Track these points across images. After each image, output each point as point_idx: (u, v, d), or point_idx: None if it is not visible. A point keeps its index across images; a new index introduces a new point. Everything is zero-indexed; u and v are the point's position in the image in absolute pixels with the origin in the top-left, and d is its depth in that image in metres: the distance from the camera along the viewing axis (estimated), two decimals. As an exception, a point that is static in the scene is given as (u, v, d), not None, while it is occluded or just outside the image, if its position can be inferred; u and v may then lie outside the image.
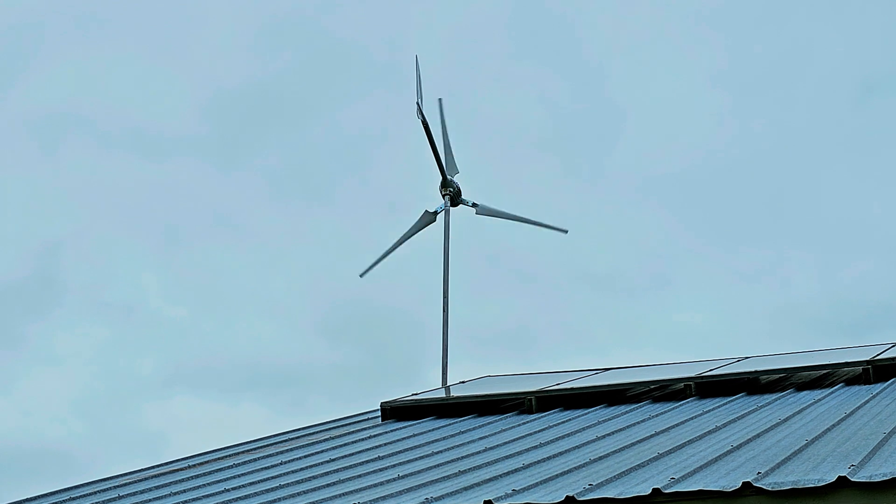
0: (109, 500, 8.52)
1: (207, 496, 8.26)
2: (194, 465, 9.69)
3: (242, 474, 9.09)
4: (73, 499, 8.73)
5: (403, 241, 17.20)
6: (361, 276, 17.36)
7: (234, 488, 8.43)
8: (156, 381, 26.90)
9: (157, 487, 8.83)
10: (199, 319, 27.66)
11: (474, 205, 17.41)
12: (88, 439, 25.39)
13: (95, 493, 8.87)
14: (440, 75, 25.84)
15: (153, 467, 9.74)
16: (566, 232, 17.83)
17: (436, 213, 17.26)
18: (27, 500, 8.65)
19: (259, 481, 8.63)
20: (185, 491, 8.57)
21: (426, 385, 25.98)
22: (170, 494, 8.51)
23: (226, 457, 10.03)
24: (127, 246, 27.24)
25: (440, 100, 17.28)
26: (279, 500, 7.79)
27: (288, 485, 8.32)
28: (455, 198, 17.31)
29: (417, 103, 16.71)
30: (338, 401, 26.71)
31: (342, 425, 11.66)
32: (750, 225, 28.03)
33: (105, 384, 26.88)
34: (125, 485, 9.07)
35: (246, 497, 8.03)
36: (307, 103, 27.51)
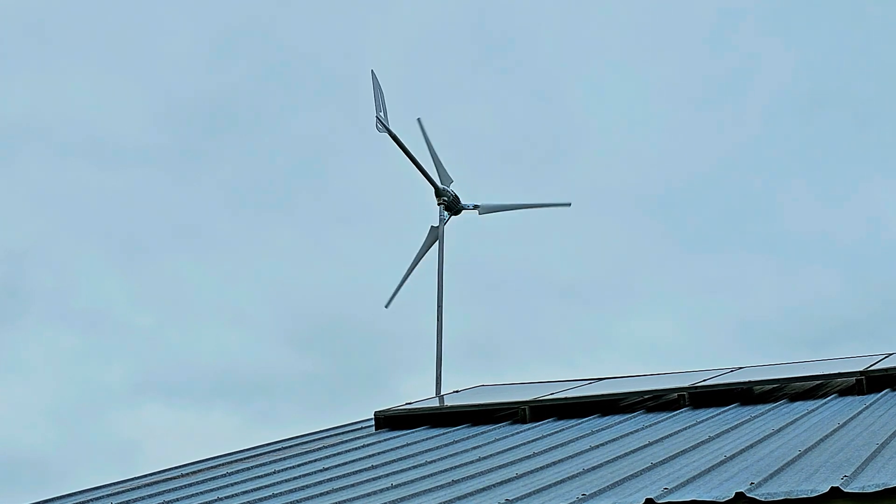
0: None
1: (201, 505, 8.26)
2: (187, 475, 9.68)
3: (236, 483, 9.08)
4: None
5: (418, 262, 17.10)
6: (387, 306, 17.23)
7: (227, 497, 8.42)
8: (125, 390, 26.95)
9: (150, 496, 8.82)
10: (165, 328, 27.72)
11: (475, 207, 17.34)
12: (61, 448, 25.39)
13: (105, 496, 8.87)
14: (396, 87, 26.29)
15: (147, 475, 9.72)
16: (569, 205, 17.74)
17: (439, 225, 17.20)
18: None
19: (252, 490, 8.62)
20: (178, 500, 8.57)
21: (393, 394, 26.18)
22: (165, 503, 8.50)
23: (219, 465, 10.02)
24: (89, 255, 27.30)
25: (419, 119, 17.24)
26: (273, 509, 7.80)
27: (281, 493, 8.32)
28: (452, 206, 17.23)
29: (378, 117, 16.57)
30: (308, 410, 26.80)
31: (336, 434, 11.65)
32: (710, 237, 28.25)
33: (74, 393, 26.89)
34: (118, 493, 9.06)
35: (239, 506, 8.04)
36: (263, 113, 27.73)
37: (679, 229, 27.80)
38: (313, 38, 27.89)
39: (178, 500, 8.57)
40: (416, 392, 26.54)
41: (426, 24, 28.33)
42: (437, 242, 16.96)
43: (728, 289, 27.83)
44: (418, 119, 17.26)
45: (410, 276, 17.04)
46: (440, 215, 17.10)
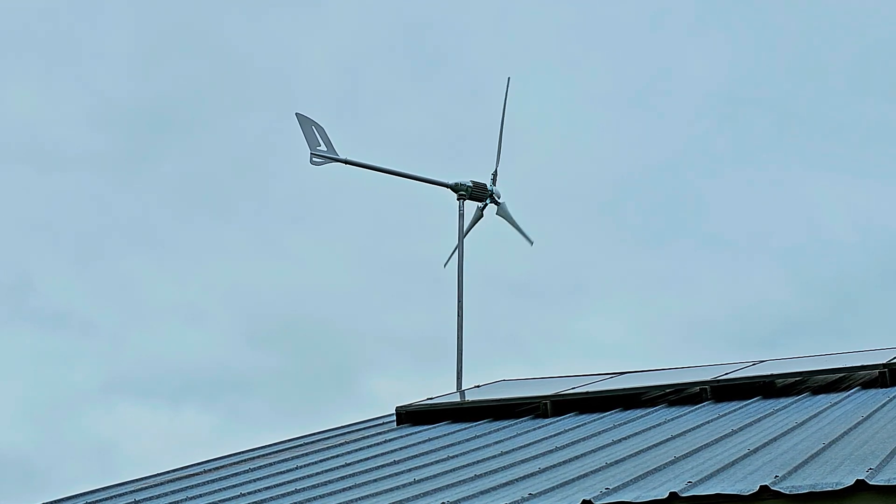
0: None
1: (224, 500, 8.27)
2: (210, 470, 9.70)
3: (258, 479, 9.10)
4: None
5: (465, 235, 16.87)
6: (445, 265, 17.05)
7: (249, 493, 8.44)
8: (94, 390, 27.02)
9: (173, 492, 8.85)
10: (126, 328, 27.80)
11: (499, 200, 17.02)
12: (37, 448, 25.45)
13: (140, 489, 8.90)
14: (329, 94, 26.49)
15: (171, 471, 9.75)
16: (532, 244, 17.54)
17: (481, 209, 16.99)
18: None
19: (275, 486, 8.63)
20: (201, 496, 8.59)
21: (362, 390, 26.33)
22: (186, 499, 8.53)
23: (241, 461, 10.04)
24: (42, 256, 27.36)
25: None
26: (295, 504, 7.82)
27: (304, 489, 8.33)
28: (476, 194, 16.91)
29: (313, 153, 16.30)
30: (278, 407, 26.93)
31: (357, 430, 11.66)
32: (654, 235, 28.34)
33: (43, 393, 26.96)
34: (144, 489, 9.08)
35: (262, 501, 8.04)
36: (202, 114, 27.90)
37: (624, 228, 27.87)
38: (249, 38, 28.10)
39: (201, 496, 8.60)
40: (387, 388, 26.76)
41: (356, 24, 28.50)
42: (458, 233, 16.85)
43: (675, 287, 27.95)
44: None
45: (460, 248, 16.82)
46: (460, 210, 16.99)
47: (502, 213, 17.03)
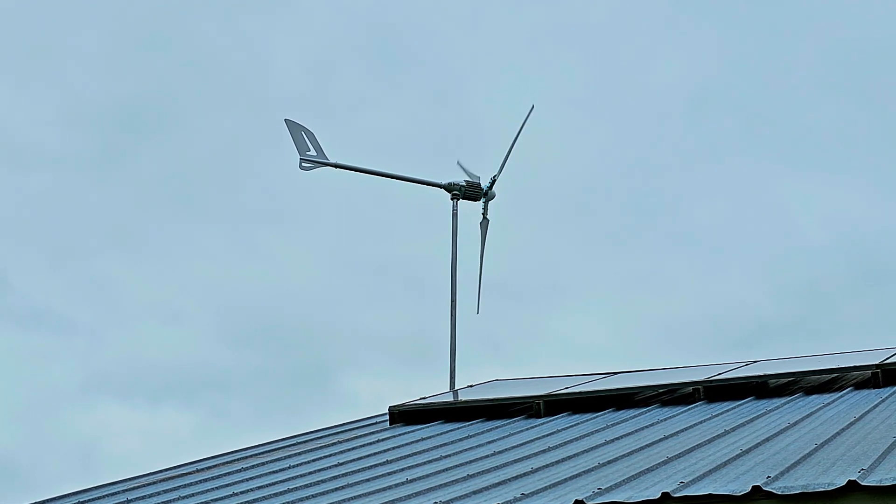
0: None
1: (217, 500, 8.26)
2: (202, 470, 9.70)
3: (251, 478, 9.09)
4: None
5: (482, 259, 16.89)
6: (478, 312, 16.99)
7: (242, 492, 8.43)
8: (74, 389, 26.99)
9: (165, 491, 8.84)
10: (104, 327, 27.76)
11: (492, 183, 17.03)
12: (18, 448, 25.41)
13: (128, 491, 8.89)
14: (303, 94, 26.48)
15: (163, 471, 9.74)
16: (532, 108, 17.51)
17: (484, 215, 16.96)
18: None
19: (267, 485, 8.63)
20: (193, 495, 8.58)
21: (342, 390, 26.39)
22: (178, 499, 8.52)
23: (233, 461, 10.03)
24: (18, 255, 27.32)
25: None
26: (288, 504, 7.81)
27: (297, 488, 8.33)
28: (470, 193, 16.90)
29: (302, 158, 16.24)
30: (259, 406, 26.96)
31: (350, 429, 11.66)
32: (629, 236, 28.38)
33: (23, 392, 26.94)
34: (136, 488, 9.08)
35: (255, 501, 8.04)
36: (176, 113, 27.93)
37: (599, 228, 27.88)
38: (223, 37, 28.13)
39: (193, 495, 8.59)
40: (368, 388, 26.78)
41: (329, 25, 28.55)
42: (451, 233, 16.84)
43: (651, 288, 27.97)
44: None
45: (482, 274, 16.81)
46: (453, 210, 16.98)
47: (483, 227, 17.02)
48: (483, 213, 16.87)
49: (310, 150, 16.14)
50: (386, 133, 25.36)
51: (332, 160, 16.26)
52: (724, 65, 29.28)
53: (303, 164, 16.13)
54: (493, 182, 16.94)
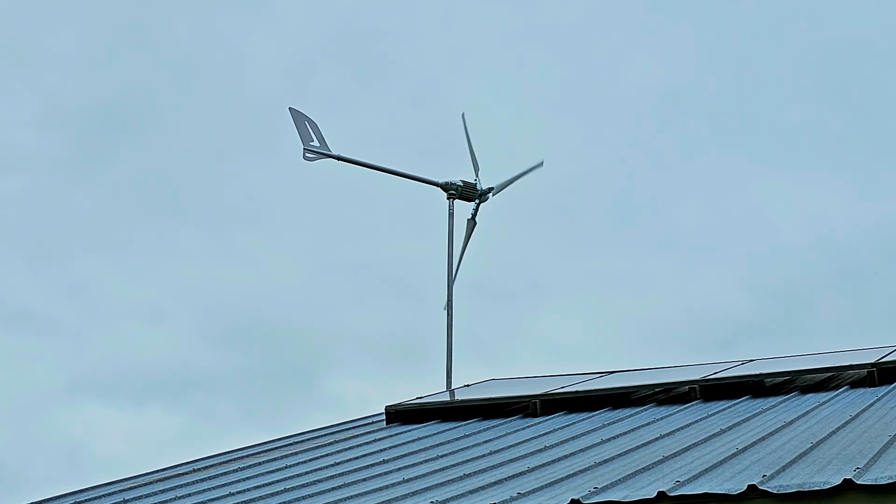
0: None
1: (213, 500, 8.26)
2: (198, 470, 9.69)
3: (247, 478, 9.09)
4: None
5: (461, 258, 16.86)
6: (444, 309, 16.95)
7: (238, 492, 8.43)
8: (59, 390, 26.99)
9: (162, 492, 8.84)
10: (88, 328, 27.77)
11: (489, 189, 17.06)
12: (5, 449, 25.36)
13: (121, 491, 8.89)
14: (279, 95, 26.47)
15: (159, 471, 9.74)
16: (542, 164, 17.59)
17: (473, 216, 16.94)
18: None
19: (264, 485, 8.63)
20: (190, 495, 8.58)
21: (326, 390, 26.41)
22: (175, 499, 8.52)
23: (229, 461, 10.03)
24: None
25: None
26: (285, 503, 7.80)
27: (293, 488, 8.33)
28: (466, 194, 16.90)
29: (306, 148, 16.21)
30: (243, 407, 26.99)
31: (346, 429, 11.66)
32: (608, 237, 28.45)
33: (7, 393, 26.88)
34: (132, 488, 9.07)
35: (252, 500, 8.04)
36: (154, 114, 27.95)
37: (577, 228, 27.87)
38: (200, 38, 28.13)
39: (189, 495, 8.59)
40: (352, 389, 26.81)
41: (305, 26, 28.58)
42: (447, 233, 16.85)
43: (630, 288, 28.03)
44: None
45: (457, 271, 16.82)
46: (450, 209, 16.99)
47: (498, 189, 17.06)
48: (473, 215, 16.90)
49: (313, 141, 16.14)
50: (363, 134, 25.35)
51: (335, 153, 16.27)
52: (701, 65, 29.43)
53: (306, 155, 16.10)
54: (488, 189, 17.00)
